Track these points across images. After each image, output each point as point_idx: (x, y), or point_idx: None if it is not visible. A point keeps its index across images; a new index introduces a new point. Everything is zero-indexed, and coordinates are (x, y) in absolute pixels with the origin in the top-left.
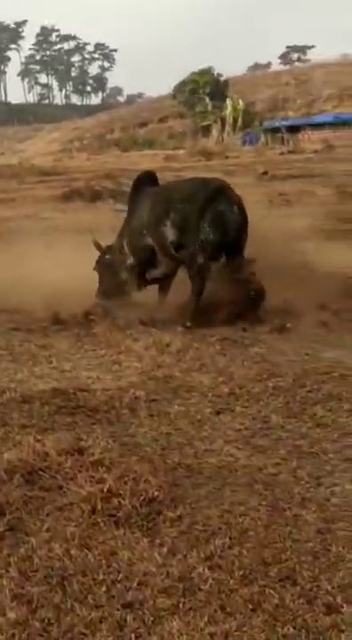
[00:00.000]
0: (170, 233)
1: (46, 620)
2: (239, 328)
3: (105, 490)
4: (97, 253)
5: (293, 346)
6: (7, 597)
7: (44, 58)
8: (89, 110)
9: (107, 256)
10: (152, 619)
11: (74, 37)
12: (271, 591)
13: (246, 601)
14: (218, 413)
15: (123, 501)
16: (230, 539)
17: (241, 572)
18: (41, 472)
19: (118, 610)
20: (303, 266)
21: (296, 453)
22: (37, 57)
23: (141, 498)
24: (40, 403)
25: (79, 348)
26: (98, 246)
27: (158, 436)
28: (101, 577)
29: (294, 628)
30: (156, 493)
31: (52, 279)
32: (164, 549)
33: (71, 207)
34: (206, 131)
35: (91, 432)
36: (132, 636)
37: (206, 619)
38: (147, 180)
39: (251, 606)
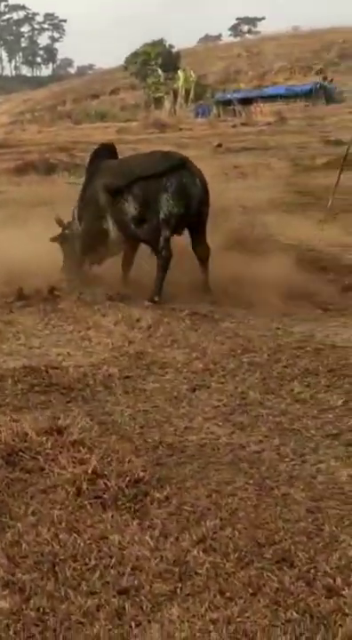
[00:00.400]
0: (131, 208)
1: (41, 609)
2: (207, 302)
3: (89, 471)
4: (58, 228)
5: (263, 320)
6: None
7: None
8: (39, 82)
9: (66, 231)
10: (150, 605)
11: (23, 7)
12: (269, 574)
13: (245, 585)
14: (194, 390)
15: (108, 482)
16: (221, 520)
17: (236, 555)
18: (21, 453)
19: (114, 597)
20: (265, 239)
21: (277, 430)
22: None
23: (127, 479)
24: (12, 380)
25: (46, 324)
26: (59, 222)
27: (136, 413)
28: (93, 562)
29: (297, 612)
30: (141, 474)
31: (12, 254)
32: (156, 532)
33: (26, 180)
34: (159, 103)
35: (67, 411)
36: (132, 623)
37: (206, 604)
38: (105, 152)
39: (250, 590)
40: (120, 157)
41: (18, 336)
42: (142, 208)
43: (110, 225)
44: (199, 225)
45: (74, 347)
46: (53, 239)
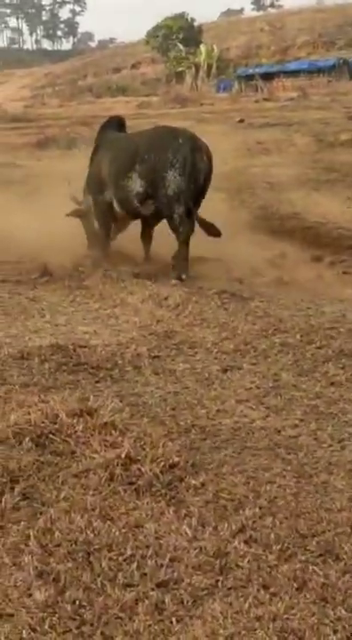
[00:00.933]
0: (136, 184)
1: (77, 602)
2: (235, 280)
3: (122, 455)
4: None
5: (293, 299)
6: (31, 575)
7: (14, 1)
8: (60, 55)
9: (82, 206)
10: (191, 600)
11: None
12: (314, 567)
13: (289, 579)
14: (225, 371)
15: (142, 468)
16: (260, 508)
17: (278, 547)
18: (51, 435)
19: (153, 590)
20: (293, 216)
21: (313, 414)
22: (7, 0)
23: (161, 464)
24: (39, 359)
25: (71, 301)
26: (74, 200)
27: (166, 395)
28: (129, 552)
29: (346, 609)
30: (175, 459)
31: (36, 229)
32: (193, 521)
33: (47, 155)
34: (180, 77)
35: (96, 391)
36: (173, 619)
37: (250, 599)
38: (113, 125)
39: (295, 585)
40: (129, 132)
41: (43, 313)
42: (148, 184)
43: (113, 201)
44: (200, 201)
45: (100, 325)
46: (70, 214)
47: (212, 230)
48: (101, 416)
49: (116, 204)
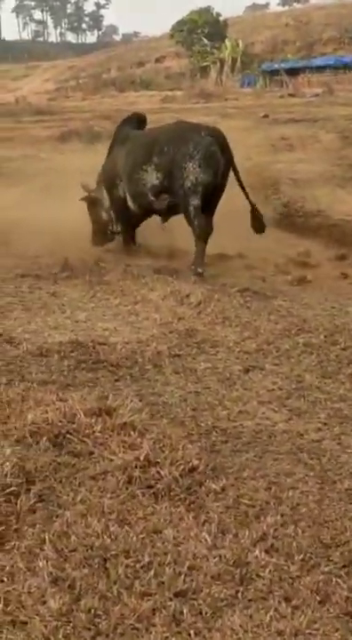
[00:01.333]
0: (152, 176)
1: (92, 611)
2: (257, 278)
3: (141, 458)
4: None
5: (317, 299)
6: (46, 581)
7: None
8: (84, 49)
9: (92, 194)
10: (210, 611)
11: None
12: (338, 580)
13: (312, 591)
14: (247, 371)
15: (161, 471)
16: (282, 516)
17: (300, 557)
18: (69, 435)
19: (171, 599)
20: (317, 214)
21: (337, 418)
22: None
23: (181, 467)
24: (58, 356)
25: (92, 296)
26: (85, 187)
27: (187, 395)
28: (147, 559)
29: None
30: (195, 462)
31: (57, 223)
32: (212, 527)
33: (70, 148)
34: (204, 72)
35: (115, 390)
36: (191, 631)
37: (271, 612)
38: (133, 122)
39: (318, 598)
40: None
41: (63, 309)
42: (165, 177)
43: (127, 195)
44: (218, 197)
45: (121, 321)
46: (83, 199)
47: (256, 223)
48: (120, 416)
49: (128, 199)
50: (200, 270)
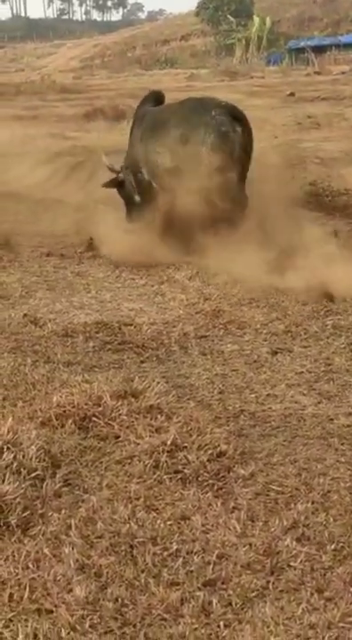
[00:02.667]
0: (166, 159)
1: (119, 600)
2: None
3: (168, 442)
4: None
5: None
6: (72, 568)
7: None
8: (109, 27)
9: (120, 175)
10: (240, 602)
11: None
12: None
13: (346, 583)
14: (275, 353)
15: (189, 456)
16: (313, 503)
17: (333, 546)
18: (95, 418)
19: (199, 589)
20: (344, 192)
21: None
22: None
23: (209, 452)
24: (84, 337)
25: (117, 276)
26: (111, 169)
27: (214, 377)
28: (175, 547)
29: None
30: (223, 447)
31: (82, 202)
32: (242, 515)
33: (95, 126)
34: (230, 50)
35: (141, 372)
36: (221, 623)
37: (303, 604)
38: (151, 100)
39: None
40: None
41: (88, 288)
42: (180, 161)
43: (146, 177)
44: (241, 171)
45: (146, 302)
46: (105, 185)
47: None
48: (146, 398)
49: (152, 182)
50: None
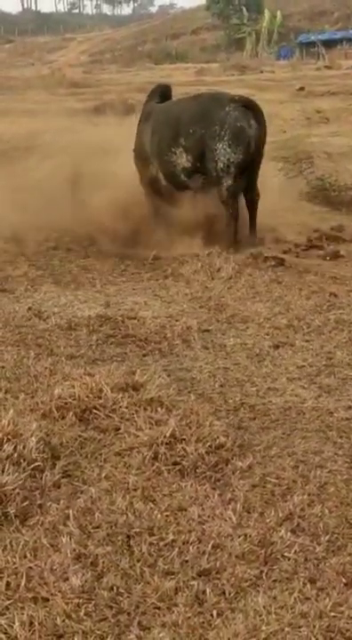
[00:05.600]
0: (182, 159)
1: (114, 589)
2: (290, 253)
3: (167, 434)
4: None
5: (350, 274)
6: (68, 558)
7: None
8: (120, 21)
9: None
10: (233, 591)
11: None
12: None
13: (338, 573)
14: (277, 347)
15: (187, 448)
16: (309, 495)
17: (327, 537)
18: (95, 410)
19: (194, 578)
20: (351, 187)
21: None
22: None
23: (207, 444)
24: (87, 330)
25: (122, 270)
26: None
27: (215, 371)
28: (171, 537)
29: None
30: (222, 439)
31: (90, 195)
32: (238, 506)
33: (104, 121)
34: (240, 44)
35: (143, 365)
36: (214, 611)
37: (296, 594)
38: (159, 94)
39: (344, 580)
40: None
41: (93, 282)
42: (196, 159)
43: (159, 175)
44: (253, 168)
45: (150, 296)
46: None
47: None
48: (148, 391)
49: (161, 178)
50: (230, 251)
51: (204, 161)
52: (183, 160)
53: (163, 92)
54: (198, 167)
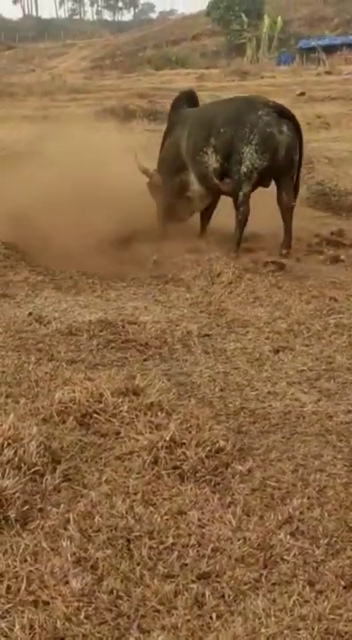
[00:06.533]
0: (212, 160)
1: (114, 592)
2: (290, 257)
3: (167, 438)
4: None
5: (350, 279)
6: (69, 561)
7: None
8: (120, 27)
9: (154, 179)
10: (232, 594)
11: None
12: None
13: (337, 576)
14: (277, 352)
15: (187, 452)
16: (308, 498)
17: (326, 540)
18: (95, 415)
19: (193, 582)
20: (351, 193)
21: None
22: None
23: (207, 448)
24: (88, 335)
25: (123, 275)
26: (145, 171)
27: (215, 375)
28: (171, 540)
29: None
30: (222, 443)
31: (92, 201)
32: (238, 510)
33: (105, 126)
34: (241, 50)
35: (143, 370)
36: (213, 614)
37: (295, 597)
38: (185, 100)
39: (343, 583)
40: (200, 105)
41: (94, 287)
42: (224, 160)
43: (192, 178)
44: (288, 174)
45: (151, 300)
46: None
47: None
48: (148, 396)
49: (194, 182)
50: (233, 254)
51: (231, 163)
52: (213, 161)
53: (190, 98)
54: (225, 168)
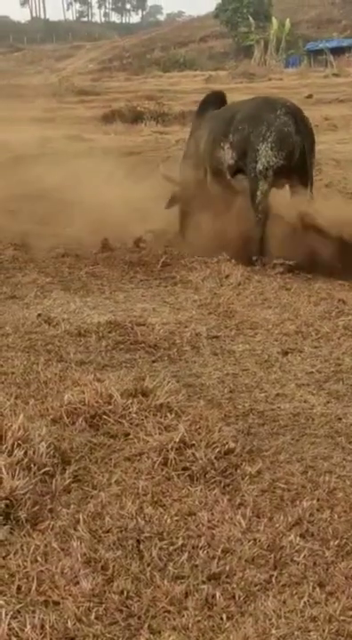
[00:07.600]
0: (228, 156)
1: (125, 593)
2: (298, 259)
3: (177, 440)
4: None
5: None
6: (79, 562)
7: None
8: (128, 29)
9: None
10: (243, 595)
11: None
12: None
13: (347, 577)
14: (286, 353)
15: (197, 453)
16: (318, 500)
17: (336, 542)
18: (105, 416)
19: (204, 582)
20: None
21: None
22: None
23: (217, 450)
24: (97, 336)
25: (131, 277)
26: (169, 179)
27: (224, 377)
28: (181, 542)
29: None
30: (231, 445)
31: (98, 203)
32: (247, 511)
33: (113, 128)
34: (248, 51)
35: (152, 371)
36: (224, 615)
37: (305, 598)
38: (213, 102)
39: None
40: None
41: (102, 289)
42: (239, 157)
43: (209, 176)
44: (302, 176)
45: (160, 302)
46: (169, 206)
47: None
48: (157, 397)
49: (210, 180)
50: (255, 258)
51: (246, 160)
52: (228, 157)
53: (219, 99)
54: (240, 166)
